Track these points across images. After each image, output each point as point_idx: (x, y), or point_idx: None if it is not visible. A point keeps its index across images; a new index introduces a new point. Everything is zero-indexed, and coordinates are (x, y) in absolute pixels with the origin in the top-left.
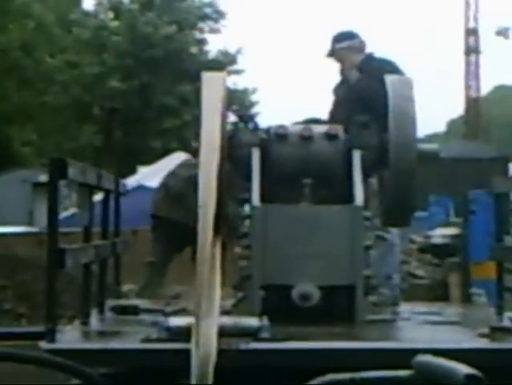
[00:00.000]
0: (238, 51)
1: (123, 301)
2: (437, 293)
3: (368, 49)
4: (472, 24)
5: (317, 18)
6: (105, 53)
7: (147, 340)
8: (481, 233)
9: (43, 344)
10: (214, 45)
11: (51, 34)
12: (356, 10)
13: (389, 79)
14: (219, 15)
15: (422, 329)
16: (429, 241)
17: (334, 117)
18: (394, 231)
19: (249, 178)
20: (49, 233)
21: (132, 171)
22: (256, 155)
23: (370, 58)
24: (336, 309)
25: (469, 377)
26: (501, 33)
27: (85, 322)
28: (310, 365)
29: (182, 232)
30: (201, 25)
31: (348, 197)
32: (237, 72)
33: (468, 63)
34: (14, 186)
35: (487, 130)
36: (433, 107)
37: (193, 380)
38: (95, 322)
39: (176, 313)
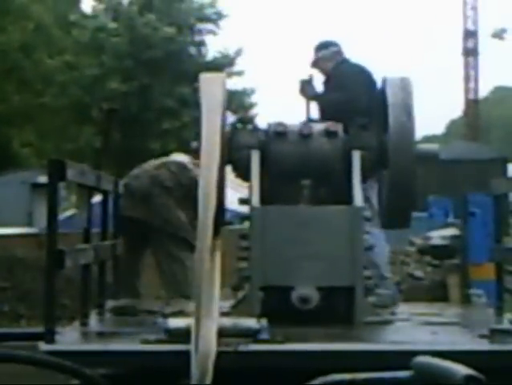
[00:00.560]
0: (237, 53)
1: (122, 302)
2: (437, 294)
3: (369, 49)
4: (470, 26)
5: (316, 19)
6: (104, 54)
7: (146, 341)
8: (480, 234)
9: (42, 345)
10: (213, 46)
11: (50, 35)
12: (356, 11)
13: (389, 79)
14: (218, 17)
15: (421, 330)
16: (428, 243)
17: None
18: (375, 231)
19: (248, 179)
20: (48, 234)
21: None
22: (255, 157)
23: (340, 62)
24: (336, 310)
25: (468, 378)
26: (497, 35)
27: (84, 323)
28: (309, 366)
29: (144, 230)
30: (200, 26)
31: (347, 198)
32: (237, 74)
33: (467, 65)
34: (13, 187)
35: (486, 131)
36: (432, 109)
37: (193, 381)
38: (94, 323)
39: (175, 314)
